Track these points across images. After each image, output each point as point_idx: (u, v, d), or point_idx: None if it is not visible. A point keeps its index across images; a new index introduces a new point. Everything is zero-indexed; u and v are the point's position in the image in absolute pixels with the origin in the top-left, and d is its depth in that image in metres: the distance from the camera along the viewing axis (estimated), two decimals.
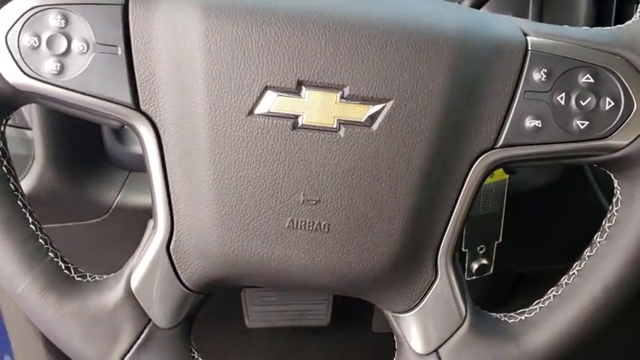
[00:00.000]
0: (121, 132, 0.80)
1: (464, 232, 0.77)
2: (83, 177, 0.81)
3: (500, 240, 0.77)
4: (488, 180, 0.75)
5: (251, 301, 1.09)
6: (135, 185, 0.81)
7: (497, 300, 1.12)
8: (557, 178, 0.80)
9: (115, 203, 0.83)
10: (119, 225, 0.82)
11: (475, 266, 0.79)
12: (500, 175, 0.75)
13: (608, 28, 0.51)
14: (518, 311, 0.56)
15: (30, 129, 0.77)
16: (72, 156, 0.79)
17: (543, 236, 0.90)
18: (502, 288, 1.15)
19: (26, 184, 0.78)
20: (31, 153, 0.78)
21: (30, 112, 0.76)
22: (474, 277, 0.79)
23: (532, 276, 1.08)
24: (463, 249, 0.78)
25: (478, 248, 0.78)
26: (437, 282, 0.52)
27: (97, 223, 0.85)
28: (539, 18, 0.78)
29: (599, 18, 0.77)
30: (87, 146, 0.81)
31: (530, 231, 0.88)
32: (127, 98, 0.49)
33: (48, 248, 0.52)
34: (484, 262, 0.79)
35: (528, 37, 0.50)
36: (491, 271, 0.79)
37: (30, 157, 0.78)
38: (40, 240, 0.52)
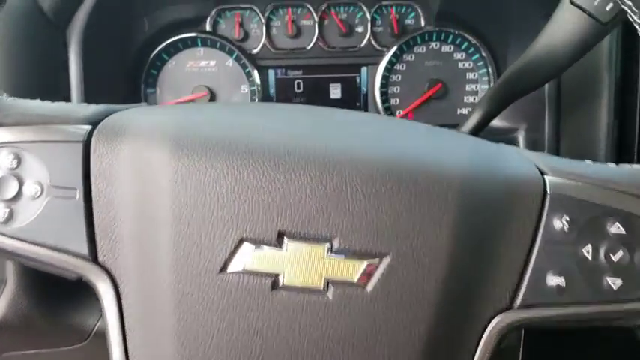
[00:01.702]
0: None
1: None
2: (60, 302, 0.76)
3: None
4: None
5: None
6: None
7: None
8: None
9: (96, 328, 0.77)
10: (101, 350, 0.76)
11: None
12: None
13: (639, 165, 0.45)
14: None
15: None
16: (48, 280, 0.73)
17: None
18: None
19: None
20: (3, 277, 0.73)
21: None
22: None
23: None
24: None
25: None
26: None
27: (77, 350, 0.79)
28: (557, 128, 0.72)
29: (620, 126, 0.72)
30: None
31: None
32: (84, 249, 0.44)
33: None
34: None
35: (546, 177, 0.44)
36: None
37: (2, 280, 0.73)
38: None
